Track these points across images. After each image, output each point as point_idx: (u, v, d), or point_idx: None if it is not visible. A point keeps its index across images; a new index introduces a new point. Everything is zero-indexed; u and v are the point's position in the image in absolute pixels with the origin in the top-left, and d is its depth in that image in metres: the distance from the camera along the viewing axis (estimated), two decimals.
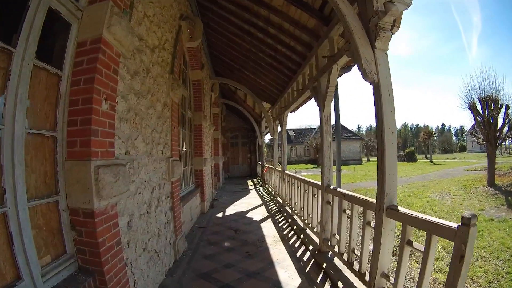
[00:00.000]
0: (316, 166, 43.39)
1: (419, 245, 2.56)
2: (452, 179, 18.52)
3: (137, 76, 3.69)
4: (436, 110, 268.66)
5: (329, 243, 4.60)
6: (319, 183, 5.18)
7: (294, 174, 7.62)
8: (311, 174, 27.19)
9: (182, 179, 7.03)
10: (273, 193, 11.73)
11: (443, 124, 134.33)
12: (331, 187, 4.60)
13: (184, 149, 7.53)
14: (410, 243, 2.66)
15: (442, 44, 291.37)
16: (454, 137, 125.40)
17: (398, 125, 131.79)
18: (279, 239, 5.98)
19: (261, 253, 5.20)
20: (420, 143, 71.13)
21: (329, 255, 4.71)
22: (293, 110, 9.36)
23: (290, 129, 59.97)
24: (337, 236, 4.38)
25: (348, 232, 3.91)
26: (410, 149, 53.16)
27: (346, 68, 4.89)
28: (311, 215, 5.79)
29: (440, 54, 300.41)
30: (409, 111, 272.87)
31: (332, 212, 4.54)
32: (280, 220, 7.64)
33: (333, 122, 5.03)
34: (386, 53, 3.06)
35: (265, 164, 15.79)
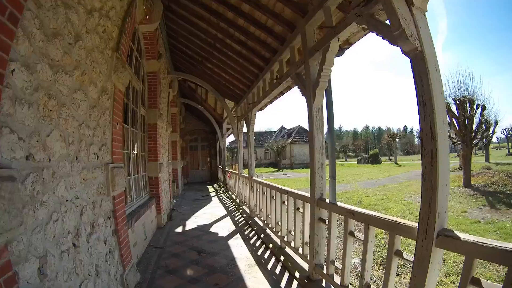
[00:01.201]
0: (277, 169, 43.03)
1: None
2: None
3: (57, 40, 2.44)
4: (397, 113, 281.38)
5: (324, 271, 3.57)
6: (305, 194, 4.16)
7: (266, 182, 6.54)
8: (273, 178, 26.48)
9: (132, 189, 5.70)
10: (237, 201, 10.59)
11: (405, 126, 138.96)
12: (326, 201, 3.57)
13: (135, 152, 6.20)
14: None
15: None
16: (416, 139, 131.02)
17: (359, 128, 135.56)
18: (254, 262, 4.85)
19: (234, 285, 4.04)
20: (383, 145, 72.74)
21: (323, 284, 3.68)
22: (262, 108, 8.34)
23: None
24: (338, 264, 3.36)
25: (361, 260, 2.88)
26: (374, 151, 54.11)
27: (340, 51, 3.89)
28: (292, 233, 4.75)
29: (403, 58, 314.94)
30: (370, 114, 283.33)
31: (330, 234, 3.51)
32: (250, 235, 6.52)
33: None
34: (425, 15, 2.17)
35: (227, 169, 14.59)
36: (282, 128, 62.10)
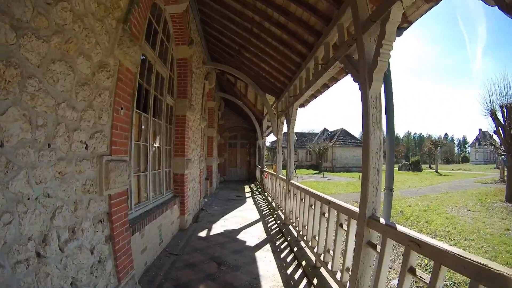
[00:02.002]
0: (318, 172, 41.84)
1: None
2: (465, 192, 17.49)
3: None
4: (438, 120, 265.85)
5: None
6: (352, 208, 3.22)
7: (304, 187, 5.62)
8: (314, 181, 25.31)
9: (149, 187, 5.08)
10: (273, 204, 9.74)
11: (446, 134, 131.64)
12: (381, 221, 2.62)
13: (156, 145, 5.59)
14: None
15: (447, 55, 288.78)
16: (456, 147, 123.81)
17: (401, 133, 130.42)
18: (282, 284, 3.98)
19: None
20: (424, 152, 69.13)
21: None
22: (304, 104, 7.46)
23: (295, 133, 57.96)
24: None
25: None
26: (416, 158, 51.42)
27: (398, 31, 2.91)
28: (331, 252, 3.82)
29: (445, 65, 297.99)
30: (412, 120, 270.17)
31: (381, 264, 2.56)
32: (282, 247, 5.65)
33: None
34: None
35: (266, 169, 13.78)
36: (325, 130, 60.49)
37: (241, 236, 6.30)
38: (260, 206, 10.04)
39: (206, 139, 12.36)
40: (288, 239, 5.97)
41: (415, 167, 44.76)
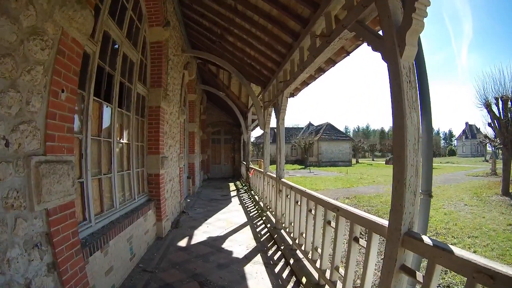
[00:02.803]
0: (303, 167, 41.50)
1: None
2: (458, 185, 17.51)
3: None
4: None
5: None
6: (377, 220, 2.47)
7: (300, 188, 4.86)
8: (300, 176, 24.75)
9: (114, 192, 4.22)
10: (261, 204, 8.99)
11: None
12: (426, 241, 1.87)
13: (125, 141, 4.72)
14: None
15: (434, 52, 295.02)
16: (442, 141, 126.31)
17: (386, 128, 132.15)
18: None
19: None
20: None
21: None
22: (294, 93, 6.71)
23: (276, 128, 57.45)
24: None
25: None
26: None
27: None
28: (341, 271, 3.09)
29: (431, 61, 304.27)
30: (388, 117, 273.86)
31: None
32: (275, 259, 4.88)
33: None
34: None
35: (251, 166, 13.00)
36: (310, 124, 60.36)
37: (227, 245, 5.51)
38: (247, 206, 9.26)
39: (187, 134, 11.46)
40: (282, 247, 5.23)
41: None
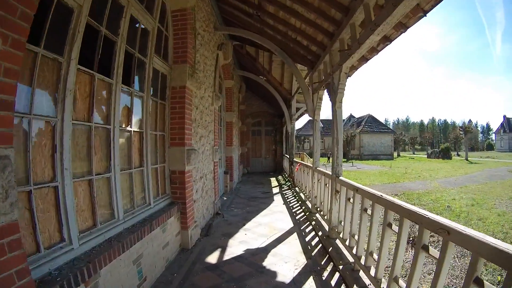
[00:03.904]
0: (345, 160, 40.17)
1: None
2: (503, 182, 16.96)
3: None
4: (461, 107, 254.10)
5: None
6: None
7: (374, 192, 3.47)
8: (344, 170, 23.00)
9: (116, 198, 3.15)
10: (308, 204, 7.67)
11: (469, 121, 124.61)
12: None
13: (134, 129, 3.61)
14: None
15: (468, 41, 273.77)
16: (480, 135, 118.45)
17: (426, 120, 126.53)
18: None
19: None
20: (452, 139, 65.60)
21: None
22: (349, 72, 5.31)
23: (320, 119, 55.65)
24: None
25: None
26: (445, 145, 49.09)
27: None
28: None
29: (465, 51, 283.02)
30: (436, 106, 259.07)
31: None
32: (333, 285, 3.60)
33: None
34: None
35: (296, 160, 11.65)
36: (351, 116, 58.37)
37: (269, 262, 4.27)
38: (292, 206, 7.96)
39: (224, 125, 10.35)
40: (340, 267, 3.92)
41: (445, 154, 43.57)
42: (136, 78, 3.64)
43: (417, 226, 2.45)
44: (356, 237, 3.95)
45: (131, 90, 3.50)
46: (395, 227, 2.95)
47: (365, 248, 3.44)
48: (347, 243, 4.20)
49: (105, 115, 3.04)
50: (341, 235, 4.56)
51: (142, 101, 3.79)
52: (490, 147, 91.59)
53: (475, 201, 11.47)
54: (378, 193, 3.33)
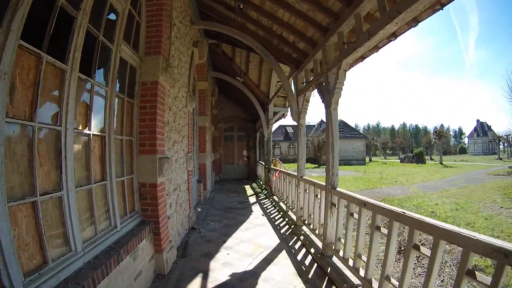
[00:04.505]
0: (317, 165, 40.12)
1: None
2: (483, 185, 16.97)
3: None
4: (433, 112, 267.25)
5: None
6: None
7: (393, 209, 2.90)
8: (317, 175, 22.82)
9: (70, 223, 2.37)
10: (291, 214, 7.12)
11: (441, 126, 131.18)
12: None
13: (94, 131, 2.83)
14: None
15: (441, 47, 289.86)
16: (452, 139, 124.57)
17: (396, 125, 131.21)
18: None
19: None
20: (425, 144, 68.29)
21: None
22: (356, 61, 4.81)
23: (288, 125, 56.06)
24: None
25: None
26: (419, 149, 50.82)
27: None
28: None
29: (438, 57, 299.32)
30: (407, 111, 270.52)
31: None
32: None
33: None
34: None
35: (276, 167, 11.06)
36: (322, 122, 59.18)
37: None
38: (273, 218, 7.33)
39: (197, 129, 9.58)
40: None
41: (419, 159, 44.58)
42: (99, 67, 2.87)
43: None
44: (364, 257, 3.40)
45: (91, 82, 2.73)
46: (424, 250, 2.43)
47: (381, 274, 2.88)
48: (350, 263, 3.65)
49: (54, 113, 2.27)
50: (341, 254, 4.00)
51: (105, 97, 3.02)
52: (463, 151, 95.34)
53: (459, 205, 11.41)
54: (398, 209, 2.79)
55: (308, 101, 5.87)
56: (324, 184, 4.76)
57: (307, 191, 5.78)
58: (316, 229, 5.18)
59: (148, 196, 3.68)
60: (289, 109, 11.13)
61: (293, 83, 6.55)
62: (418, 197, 13.77)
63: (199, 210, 8.12)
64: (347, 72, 4.26)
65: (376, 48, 4.31)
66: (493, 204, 11.44)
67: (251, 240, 5.55)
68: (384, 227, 3.09)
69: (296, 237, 5.70)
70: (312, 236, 5.45)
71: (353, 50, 3.70)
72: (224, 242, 5.41)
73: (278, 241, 5.53)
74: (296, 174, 6.64)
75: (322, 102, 4.71)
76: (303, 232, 5.76)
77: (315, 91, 5.38)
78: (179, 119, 5.36)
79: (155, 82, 3.78)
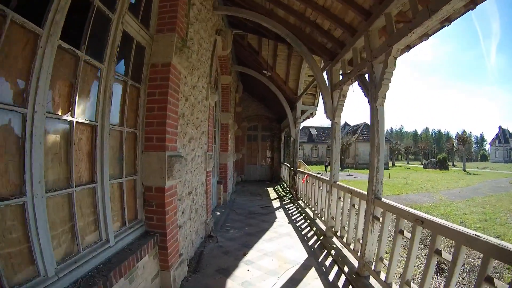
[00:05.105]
0: (341, 169, 38.63)
1: None
2: (509, 194, 16.98)
3: None
4: (455, 117, 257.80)
5: None
6: None
7: (473, 234, 2.16)
8: (341, 179, 21.92)
9: (36, 242, 1.73)
10: (319, 223, 6.39)
11: (463, 131, 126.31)
12: None
13: (81, 119, 2.20)
14: None
15: (462, 51, 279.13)
16: (474, 146, 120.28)
17: (419, 130, 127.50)
18: None
19: None
20: (448, 149, 65.55)
21: None
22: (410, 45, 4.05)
23: (312, 127, 54.91)
24: None
25: None
26: (442, 155, 48.85)
27: None
28: None
29: (459, 61, 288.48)
30: (429, 116, 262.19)
31: None
32: None
33: None
34: None
35: (301, 169, 10.28)
36: (346, 124, 57.94)
37: None
38: (299, 227, 6.56)
39: (219, 127, 8.96)
40: None
41: (442, 165, 43.44)
42: (92, 38, 2.24)
43: None
44: (414, 286, 2.66)
45: (78, 54, 2.10)
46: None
47: None
48: None
49: (19, 90, 1.65)
50: (382, 277, 3.26)
51: (99, 77, 2.40)
52: (484, 158, 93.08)
53: (487, 215, 11.12)
54: (471, 231, 2.06)
55: (345, 96, 5.09)
56: (364, 192, 4.02)
57: (341, 198, 5.01)
58: (351, 244, 4.43)
59: (154, 203, 3.04)
60: (316, 108, 10.39)
61: (326, 77, 5.77)
62: (445, 205, 13.46)
63: (218, 214, 7.48)
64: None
65: (426, 35, 3.52)
66: None
67: (276, 253, 4.82)
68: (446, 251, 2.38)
69: (326, 251, 4.93)
70: (344, 251, 4.70)
71: (408, 32, 2.96)
72: (245, 255, 4.70)
73: (306, 255, 4.78)
74: (327, 178, 5.87)
75: (365, 96, 3.95)
76: (334, 246, 4.98)
77: (355, 84, 4.65)
78: (197, 113, 4.71)
79: (167, 64, 3.13)
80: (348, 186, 4.77)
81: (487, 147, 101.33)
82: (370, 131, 3.75)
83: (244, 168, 16.33)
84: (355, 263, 4.12)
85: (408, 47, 3.87)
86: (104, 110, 2.44)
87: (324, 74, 5.90)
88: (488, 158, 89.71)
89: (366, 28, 3.91)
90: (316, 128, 56.32)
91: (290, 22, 5.82)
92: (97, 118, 2.37)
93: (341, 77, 5.11)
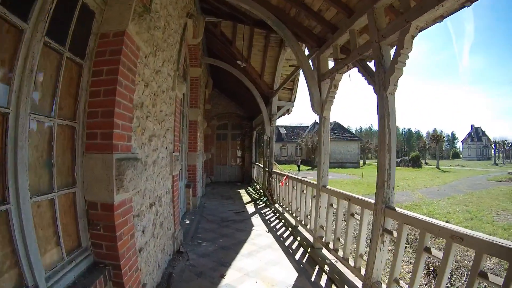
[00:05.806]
0: (310, 168, 39.43)
1: None
2: (488, 191, 16.95)
3: None
4: (426, 116, 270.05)
5: None
6: None
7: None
8: (312, 178, 21.50)
9: None
10: (302, 230, 5.74)
11: (434, 130, 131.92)
12: None
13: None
14: None
15: (435, 52, 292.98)
16: (445, 144, 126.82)
17: None
18: None
19: None
20: (420, 148, 68.05)
21: None
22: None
23: (281, 126, 54.81)
24: None
25: None
26: (415, 153, 50.46)
27: None
28: None
29: (431, 62, 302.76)
30: (400, 116, 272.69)
31: None
32: None
33: None
34: None
35: (277, 170, 9.56)
36: (316, 123, 57.97)
37: None
38: (281, 236, 5.84)
39: (187, 124, 8.06)
40: None
41: (415, 163, 44.23)
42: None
43: None
44: None
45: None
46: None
47: None
48: None
49: None
50: None
51: (20, 43, 1.52)
52: (456, 156, 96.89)
53: (472, 214, 11.04)
54: None
55: (336, 86, 4.42)
56: (366, 199, 3.39)
57: (334, 205, 4.36)
58: (349, 259, 3.76)
59: (101, 225, 2.17)
60: (293, 104, 9.74)
61: (312, 66, 5.09)
62: (426, 204, 13.32)
63: (187, 222, 6.60)
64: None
65: (441, 17, 2.93)
66: (505, 212, 11.13)
67: (259, 273, 4.04)
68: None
69: (318, 266, 4.24)
70: (339, 265, 4.06)
71: (437, 3, 2.33)
72: (222, 277, 3.88)
73: (295, 274, 4.05)
74: (313, 182, 5.20)
75: (369, 84, 3.29)
76: (327, 261, 4.30)
77: (351, 72, 4.00)
78: (161, 104, 3.85)
79: (121, 32, 2.26)
80: (344, 192, 4.09)
81: (459, 145, 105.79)
82: (378, 125, 3.07)
83: (213, 168, 15.46)
84: (357, 282, 3.49)
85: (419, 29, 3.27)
86: (21, 90, 1.56)
87: (311, 62, 5.21)
88: (460, 155, 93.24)
89: (371, 5, 3.25)
90: (286, 127, 56.26)
91: (273, 3, 5.08)
92: (9, 102, 1.49)
93: (331, 64, 4.45)
